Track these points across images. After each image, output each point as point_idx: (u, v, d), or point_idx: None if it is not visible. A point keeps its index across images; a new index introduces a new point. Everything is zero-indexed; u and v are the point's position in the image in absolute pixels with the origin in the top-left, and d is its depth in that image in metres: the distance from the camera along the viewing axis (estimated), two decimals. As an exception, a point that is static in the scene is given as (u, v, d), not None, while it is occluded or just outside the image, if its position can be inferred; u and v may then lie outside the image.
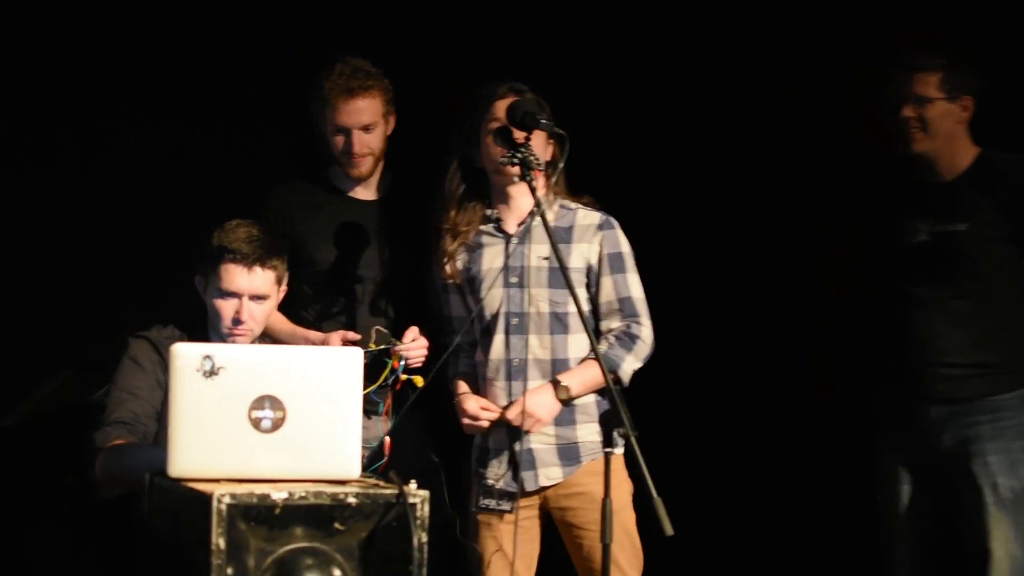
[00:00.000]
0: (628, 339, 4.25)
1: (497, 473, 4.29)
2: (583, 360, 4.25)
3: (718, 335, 5.63)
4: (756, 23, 5.52)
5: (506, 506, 4.26)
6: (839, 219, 5.08)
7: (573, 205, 4.35)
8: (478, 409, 4.26)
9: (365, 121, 4.50)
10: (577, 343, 4.25)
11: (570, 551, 4.32)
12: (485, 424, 4.25)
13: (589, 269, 4.29)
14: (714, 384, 5.61)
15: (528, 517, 4.29)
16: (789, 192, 5.45)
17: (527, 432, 4.21)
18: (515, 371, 4.25)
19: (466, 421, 4.28)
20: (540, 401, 4.19)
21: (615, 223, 4.33)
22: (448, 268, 4.36)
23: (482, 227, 4.35)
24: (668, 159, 5.64)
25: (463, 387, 4.34)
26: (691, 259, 5.59)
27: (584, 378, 4.22)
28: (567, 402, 4.22)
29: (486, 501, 4.29)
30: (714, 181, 5.62)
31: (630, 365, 4.24)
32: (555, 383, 4.22)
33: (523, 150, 4.09)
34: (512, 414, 4.21)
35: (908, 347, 4.53)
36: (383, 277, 4.54)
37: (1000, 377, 4.46)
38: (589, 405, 4.27)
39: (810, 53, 5.36)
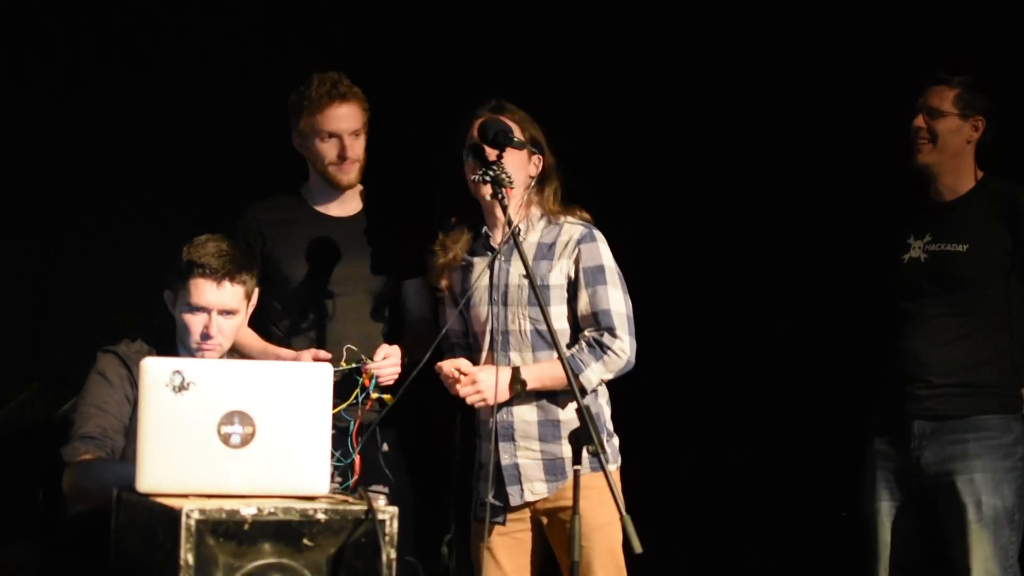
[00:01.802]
0: (598, 348, 4.20)
1: (487, 486, 4.28)
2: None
3: (712, 345, 5.65)
4: (759, 31, 5.54)
5: (497, 518, 4.26)
6: (840, 232, 5.12)
7: (561, 219, 4.32)
8: (452, 368, 4.20)
9: (355, 126, 4.49)
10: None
11: (560, 565, 4.31)
12: (463, 386, 4.18)
13: (569, 284, 4.27)
14: (710, 395, 5.63)
15: (520, 530, 4.30)
16: (792, 204, 5.48)
17: (458, 394, 4.19)
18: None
19: (449, 382, 4.20)
20: (490, 381, 4.16)
21: (597, 236, 4.30)
22: (442, 282, 4.38)
23: (474, 244, 4.35)
24: (663, 167, 5.66)
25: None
26: (691, 267, 5.62)
27: (542, 373, 4.19)
28: (520, 393, 4.19)
29: (480, 513, 4.30)
30: (718, 191, 5.65)
31: (595, 373, 4.19)
32: (516, 370, 4.20)
33: (495, 168, 4.07)
34: (462, 384, 4.19)
35: (898, 362, 4.54)
36: (355, 294, 4.54)
37: (988, 398, 4.47)
38: (572, 422, 4.22)
39: (817, 64, 5.40)
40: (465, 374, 4.19)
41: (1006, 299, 4.50)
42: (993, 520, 4.41)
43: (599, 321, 4.22)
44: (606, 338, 4.20)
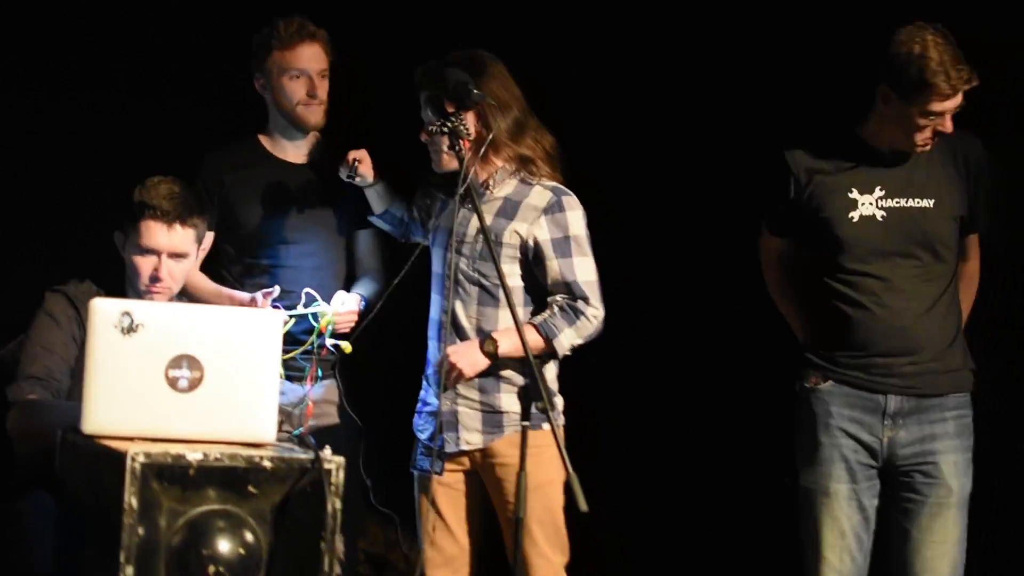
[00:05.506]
0: (572, 312, 4.19)
1: (425, 433, 4.29)
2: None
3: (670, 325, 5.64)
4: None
5: (436, 467, 4.25)
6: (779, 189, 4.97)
7: (535, 180, 4.27)
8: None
9: (323, 66, 4.50)
10: (508, 318, 4.16)
11: (500, 519, 4.31)
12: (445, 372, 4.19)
13: (525, 248, 4.22)
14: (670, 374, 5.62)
15: (459, 481, 4.30)
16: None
17: (449, 388, 4.20)
18: (443, 333, 4.23)
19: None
20: (462, 352, 4.17)
21: (566, 203, 4.23)
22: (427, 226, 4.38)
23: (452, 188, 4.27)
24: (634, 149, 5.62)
25: None
26: (643, 247, 5.58)
27: (515, 337, 4.08)
28: (493, 356, 4.18)
29: (420, 461, 4.30)
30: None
31: (568, 338, 4.18)
32: (484, 338, 4.20)
33: (452, 120, 4.07)
34: (438, 366, 4.20)
35: (865, 332, 4.23)
36: (310, 241, 4.52)
37: (960, 375, 4.27)
38: (515, 375, 4.24)
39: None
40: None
41: (955, 263, 4.27)
42: (965, 502, 4.25)
43: (572, 292, 4.20)
44: (580, 304, 4.19)
